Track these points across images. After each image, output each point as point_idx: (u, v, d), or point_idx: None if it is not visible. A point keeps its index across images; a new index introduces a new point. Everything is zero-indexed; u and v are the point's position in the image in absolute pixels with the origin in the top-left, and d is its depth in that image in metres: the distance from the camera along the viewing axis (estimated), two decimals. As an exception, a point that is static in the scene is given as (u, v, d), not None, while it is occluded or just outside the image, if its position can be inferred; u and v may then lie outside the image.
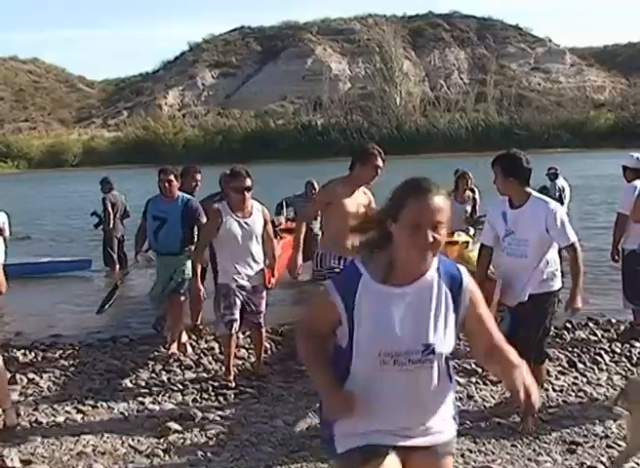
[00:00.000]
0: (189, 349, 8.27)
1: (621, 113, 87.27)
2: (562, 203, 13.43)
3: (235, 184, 6.95)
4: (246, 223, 7.01)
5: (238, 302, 7.01)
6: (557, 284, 5.75)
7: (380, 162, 6.59)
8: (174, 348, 8.09)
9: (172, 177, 8.06)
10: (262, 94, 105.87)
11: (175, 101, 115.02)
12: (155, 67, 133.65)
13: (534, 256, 5.62)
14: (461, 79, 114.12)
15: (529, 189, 5.71)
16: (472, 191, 11.95)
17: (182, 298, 8.09)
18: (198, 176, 9.33)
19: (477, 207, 11.92)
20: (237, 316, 7.02)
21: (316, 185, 12.29)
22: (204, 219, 7.88)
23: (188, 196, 8.25)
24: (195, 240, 7.87)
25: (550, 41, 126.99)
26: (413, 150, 72.61)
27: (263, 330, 7.42)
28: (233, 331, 7.03)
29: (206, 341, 8.60)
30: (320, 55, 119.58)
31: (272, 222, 10.81)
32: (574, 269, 5.64)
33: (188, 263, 7.86)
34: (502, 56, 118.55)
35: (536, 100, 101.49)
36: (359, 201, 6.64)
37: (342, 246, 6.43)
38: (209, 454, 5.41)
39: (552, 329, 6.06)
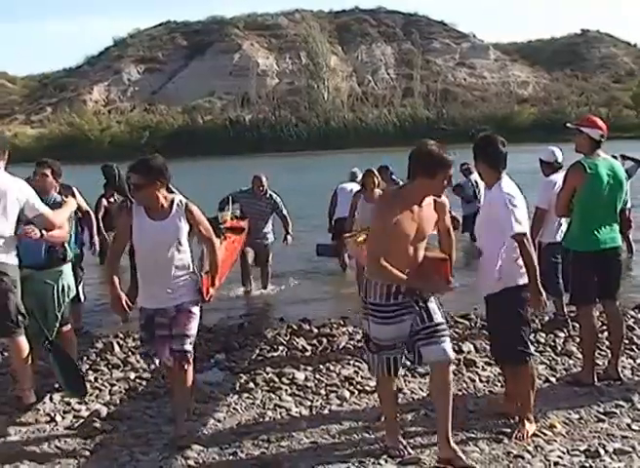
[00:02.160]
0: (117, 348, 8.18)
1: (544, 108, 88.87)
2: (477, 198, 13.58)
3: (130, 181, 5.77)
4: (163, 226, 5.53)
5: (158, 332, 5.59)
6: (521, 280, 5.54)
7: (452, 170, 4.97)
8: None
9: (47, 171, 6.88)
10: (189, 89, 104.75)
11: (100, 97, 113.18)
12: (79, 63, 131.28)
13: (487, 244, 5.50)
14: (388, 74, 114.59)
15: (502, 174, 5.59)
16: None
17: (70, 329, 6.86)
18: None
19: None
20: (156, 349, 5.63)
21: (264, 179, 11.33)
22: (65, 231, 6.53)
23: (62, 197, 6.96)
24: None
25: (475, 37, 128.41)
26: (340, 145, 72.69)
27: (190, 362, 5.64)
28: (153, 367, 6.18)
29: (134, 339, 8.50)
30: (247, 50, 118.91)
31: (215, 219, 9.65)
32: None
33: (65, 281, 6.66)
34: (428, 51, 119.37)
35: (461, 95, 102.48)
36: (420, 218, 4.96)
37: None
38: (137, 454, 5.36)
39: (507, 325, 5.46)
